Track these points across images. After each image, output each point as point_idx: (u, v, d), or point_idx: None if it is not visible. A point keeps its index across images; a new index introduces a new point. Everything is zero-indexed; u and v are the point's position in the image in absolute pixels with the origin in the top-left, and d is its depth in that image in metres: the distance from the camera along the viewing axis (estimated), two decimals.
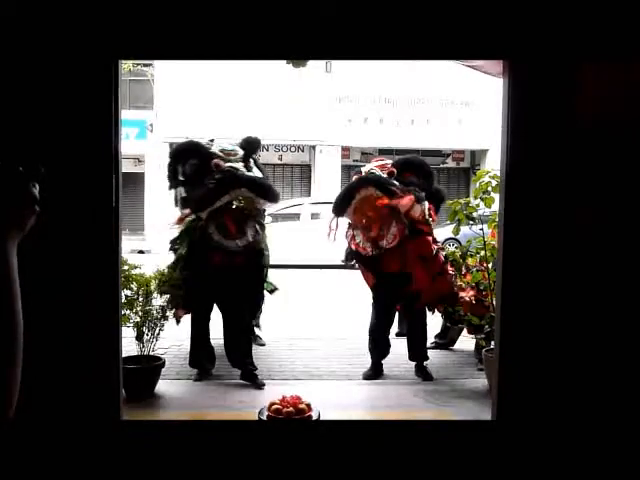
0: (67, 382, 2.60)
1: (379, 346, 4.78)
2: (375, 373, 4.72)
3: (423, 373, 4.69)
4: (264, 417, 3.28)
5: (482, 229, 4.71)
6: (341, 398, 4.30)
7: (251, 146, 4.57)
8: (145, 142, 14.69)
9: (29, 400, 2.49)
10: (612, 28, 2.51)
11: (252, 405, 3.90)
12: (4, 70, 2.48)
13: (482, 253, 4.65)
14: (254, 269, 4.56)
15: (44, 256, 2.49)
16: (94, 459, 2.59)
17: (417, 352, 4.78)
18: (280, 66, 4.82)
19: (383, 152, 16.63)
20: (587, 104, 2.53)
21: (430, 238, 4.67)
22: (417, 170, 4.67)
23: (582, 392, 2.65)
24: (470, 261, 4.83)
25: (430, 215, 4.65)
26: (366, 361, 4.86)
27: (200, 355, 4.56)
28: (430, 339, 5.21)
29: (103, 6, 2.49)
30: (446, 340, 5.53)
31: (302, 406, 3.29)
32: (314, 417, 3.28)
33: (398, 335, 5.40)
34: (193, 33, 2.54)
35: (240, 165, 4.34)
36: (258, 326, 5.24)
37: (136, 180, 14.87)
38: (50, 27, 2.50)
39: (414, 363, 4.78)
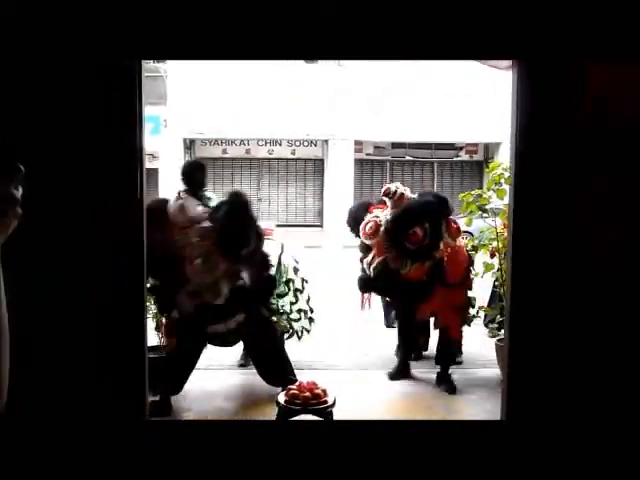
0: (93, 382, 2.67)
1: (405, 346, 4.69)
2: (399, 372, 4.61)
3: (447, 384, 4.40)
4: (282, 402, 3.40)
5: (494, 220, 4.80)
6: (355, 387, 4.43)
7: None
8: (159, 138, 14.85)
9: (54, 400, 2.61)
10: (617, 28, 2.55)
11: (269, 392, 4.05)
12: (32, 73, 2.58)
13: (494, 244, 4.73)
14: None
15: (72, 248, 2.61)
16: (120, 458, 2.67)
17: (445, 354, 4.55)
18: (293, 61, 4.90)
19: (396, 146, 16.70)
20: (593, 102, 2.58)
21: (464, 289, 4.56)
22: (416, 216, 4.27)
23: (593, 390, 2.67)
24: (483, 252, 4.91)
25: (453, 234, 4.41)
26: (383, 352, 4.95)
27: (172, 376, 3.91)
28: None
29: (126, 7, 2.59)
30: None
31: (318, 391, 3.40)
32: (329, 402, 3.39)
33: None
34: (211, 34, 2.62)
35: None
36: None
37: (150, 176, 15.06)
38: (74, 28, 2.58)
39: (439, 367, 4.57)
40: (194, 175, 4.12)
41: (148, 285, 3.81)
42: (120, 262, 2.64)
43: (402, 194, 4.37)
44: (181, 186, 4.11)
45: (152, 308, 4.36)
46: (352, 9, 2.59)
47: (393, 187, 4.42)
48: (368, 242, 4.39)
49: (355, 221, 4.62)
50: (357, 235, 4.57)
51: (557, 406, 2.68)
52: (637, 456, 2.63)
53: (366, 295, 4.94)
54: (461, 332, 4.73)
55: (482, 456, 2.74)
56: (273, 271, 4.27)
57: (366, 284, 4.54)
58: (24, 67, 2.57)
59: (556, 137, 2.61)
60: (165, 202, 3.96)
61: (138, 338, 2.75)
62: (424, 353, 5.15)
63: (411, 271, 4.24)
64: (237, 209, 3.85)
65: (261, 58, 3.11)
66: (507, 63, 2.88)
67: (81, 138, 2.62)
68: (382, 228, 4.28)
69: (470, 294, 4.78)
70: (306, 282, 4.79)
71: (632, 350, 2.65)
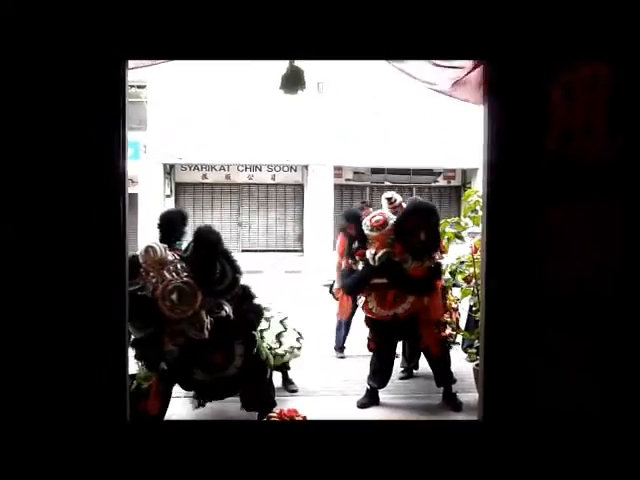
0: (74, 383, 2.69)
1: (379, 374, 4.76)
2: (370, 401, 4.70)
3: (452, 403, 4.65)
4: None
5: (471, 247, 4.91)
6: (335, 413, 4.43)
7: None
8: (139, 163, 14.86)
9: (35, 400, 2.61)
10: (581, 29, 2.65)
11: (250, 418, 4.03)
12: (10, 73, 2.57)
13: (471, 270, 4.83)
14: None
15: (57, 273, 2.64)
16: (100, 460, 2.69)
17: (442, 376, 4.75)
18: (273, 89, 4.99)
19: (375, 171, 16.91)
20: (559, 136, 2.68)
21: (440, 303, 4.78)
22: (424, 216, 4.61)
23: (566, 394, 2.77)
24: (459, 277, 5.00)
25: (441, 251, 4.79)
26: (361, 377, 4.97)
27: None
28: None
29: (110, 5, 2.59)
30: (414, 363, 5.56)
31: (298, 419, 3.43)
32: None
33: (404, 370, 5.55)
34: (200, 32, 2.65)
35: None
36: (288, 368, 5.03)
37: (130, 201, 14.98)
38: (57, 26, 2.57)
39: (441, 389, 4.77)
40: (174, 226, 3.99)
41: (132, 338, 3.74)
42: (103, 286, 2.67)
43: (401, 204, 5.04)
44: (157, 234, 3.97)
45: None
46: (316, 10, 2.64)
47: (396, 195, 5.12)
48: (373, 233, 4.57)
49: (355, 218, 4.87)
50: (358, 229, 4.73)
51: (532, 406, 2.78)
52: (600, 455, 2.74)
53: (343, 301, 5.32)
54: (442, 350, 4.77)
55: (461, 454, 2.82)
56: (258, 301, 4.16)
57: (367, 274, 4.66)
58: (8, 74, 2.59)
59: (524, 169, 2.71)
60: (136, 257, 3.82)
61: (120, 344, 2.78)
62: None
63: (411, 268, 4.53)
64: (206, 241, 3.80)
65: (267, 58, 3.03)
66: (477, 97, 2.97)
67: (63, 162, 2.64)
68: (390, 222, 4.58)
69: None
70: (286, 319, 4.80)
71: (596, 353, 2.77)
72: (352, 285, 4.89)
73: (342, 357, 6.26)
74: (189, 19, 2.66)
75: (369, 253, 4.60)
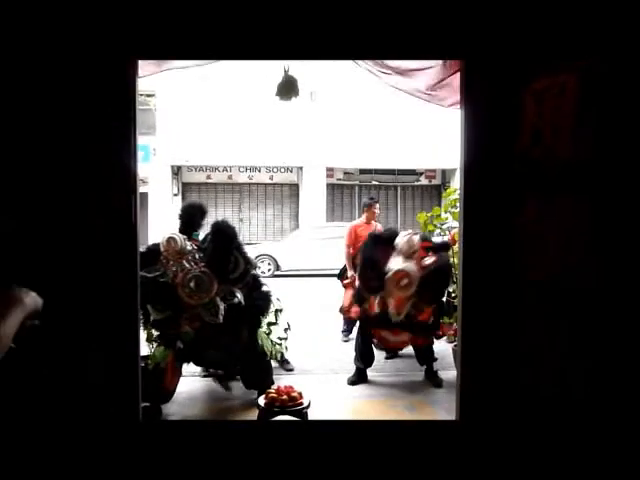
0: (88, 386, 2.64)
1: (365, 359, 4.79)
2: (359, 379, 4.72)
3: (433, 380, 4.67)
4: (262, 404, 3.41)
5: (450, 239, 4.92)
6: (328, 389, 4.46)
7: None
8: (149, 165, 14.78)
9: (48, 403, 2.55)
10: (556, 39, 2.55)
11: (244, 396, 4.13)
12: (18, 73, 2.51)
13: (451, 260, 4.84)
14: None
15: (71, 268, 2.60)
16: (113, 460, 2.61)
17: (424, 356, 4.79)
18: (270, 96, 4.95)
19: (363, 172, 16.90)
20: (530, 135, 2.63)
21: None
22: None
23: (542, 392, 2.67)
24: None
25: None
26: (352, 357, 4.97)
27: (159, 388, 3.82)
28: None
29: (120, 7, 2.52)
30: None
31: (295, 394, 3.43)
32: (305, 404, 3.42)
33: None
34: (207, 33, 2.59)
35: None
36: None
37: (141, 199, 14.87)
38: (68, 27, 2.50)
39: (423, 367, 4.80)
40: (194, 218, 4.03)
41: (152, 318, 3.82)
42: (115, 280, 2.64)
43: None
44: (176, 225, 4.00)
45: (152, 346, 4.07)
46: (304, 15, 2.59)
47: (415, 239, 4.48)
48: (397, 292, 4.26)
49: (390, 239, 4.51)
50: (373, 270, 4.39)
51: (508, 405, 2.71)
52: (577, 449, 2.61)
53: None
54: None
55: (439, 453, 2.76)
56: (266, 288, 4.21)
57: (382, 324, 4.52)
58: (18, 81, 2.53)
59: (498, 168, 2.68)
60: (157, 245, 3.90)
61: (132, 346, 2.72)
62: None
63: (419, 314, 4.53)
64: (224, 234, 3.84)
65: (273, 58, 2.97)
66: (451, 100, 2.94)
67: (79, 164, 2.60)
68: (414, 286, 4.24)
69: None
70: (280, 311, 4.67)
71: (571, 350, 2.67)
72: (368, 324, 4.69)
73: (346, 341, 6.03)
74: (194, 21, 2.60)
75: (391, 309, 4.36)
